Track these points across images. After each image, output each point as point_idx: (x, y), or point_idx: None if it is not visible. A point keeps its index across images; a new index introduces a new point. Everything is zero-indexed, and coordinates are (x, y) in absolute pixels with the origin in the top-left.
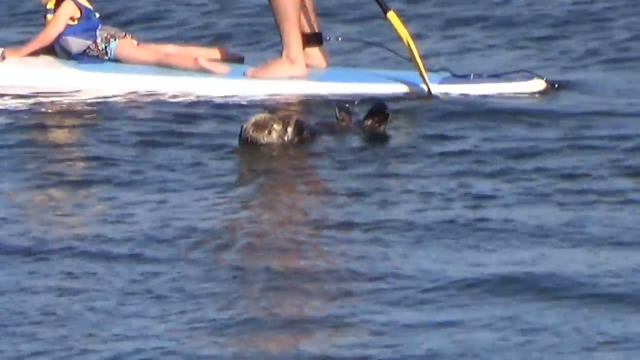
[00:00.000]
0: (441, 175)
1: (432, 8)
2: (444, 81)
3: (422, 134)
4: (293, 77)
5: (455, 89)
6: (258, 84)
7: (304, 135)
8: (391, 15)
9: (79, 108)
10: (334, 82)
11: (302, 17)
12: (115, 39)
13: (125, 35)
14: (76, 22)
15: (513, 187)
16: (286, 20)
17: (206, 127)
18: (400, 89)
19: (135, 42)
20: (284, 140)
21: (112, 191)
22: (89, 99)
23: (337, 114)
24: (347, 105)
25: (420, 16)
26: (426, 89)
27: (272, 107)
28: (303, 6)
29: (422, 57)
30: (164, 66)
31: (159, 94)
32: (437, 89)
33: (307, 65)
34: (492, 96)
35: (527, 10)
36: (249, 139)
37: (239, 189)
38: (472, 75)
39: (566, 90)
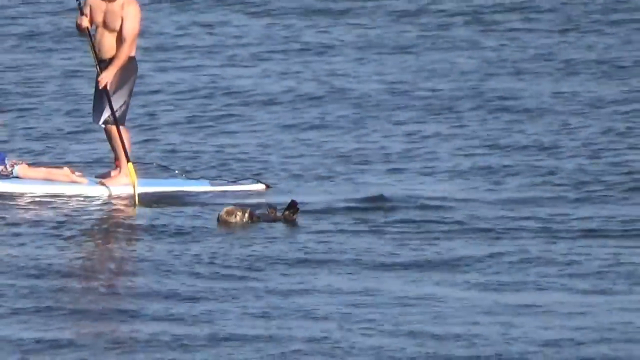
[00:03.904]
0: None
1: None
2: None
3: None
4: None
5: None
6: (107, 188)
7: (254, 219)
8: (130, 165)
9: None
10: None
11: None
12: (17, 165)
13: (22, 162)
14: None
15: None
16: (120, 148)
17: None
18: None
19: (27, 165)
20: (243, 221)
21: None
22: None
23: (268, 209)
24: (272, 204)
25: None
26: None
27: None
28: None
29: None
30: (48, 180)
31: (45, 196)
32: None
33: None
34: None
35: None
36: (224, 221)
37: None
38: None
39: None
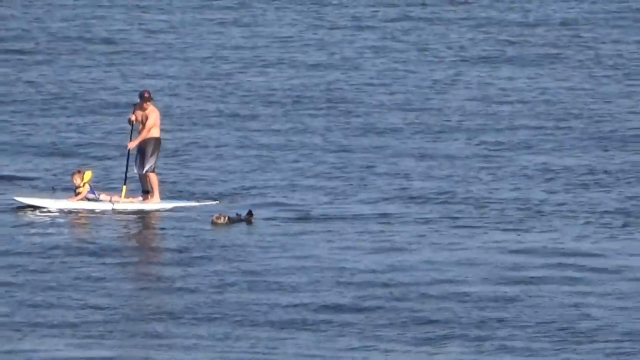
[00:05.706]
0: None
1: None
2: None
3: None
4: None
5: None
6: (152, 205)
7: (231, 220)
8: (125, 188)
9: (93, 217)
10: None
11: None
12: (100, 195)
13: (102, 193)
14: (89, 189)
15: None
16: (155, 188)
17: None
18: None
19: (103, 194)
20: (225, 223)
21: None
22: (103, 210)
23: (236, 214)
24: (239, 212)
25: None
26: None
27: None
28: None
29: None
30: (116, 201)
31: (122, 211)
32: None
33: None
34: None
35: None
36: (215, 223)
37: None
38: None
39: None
